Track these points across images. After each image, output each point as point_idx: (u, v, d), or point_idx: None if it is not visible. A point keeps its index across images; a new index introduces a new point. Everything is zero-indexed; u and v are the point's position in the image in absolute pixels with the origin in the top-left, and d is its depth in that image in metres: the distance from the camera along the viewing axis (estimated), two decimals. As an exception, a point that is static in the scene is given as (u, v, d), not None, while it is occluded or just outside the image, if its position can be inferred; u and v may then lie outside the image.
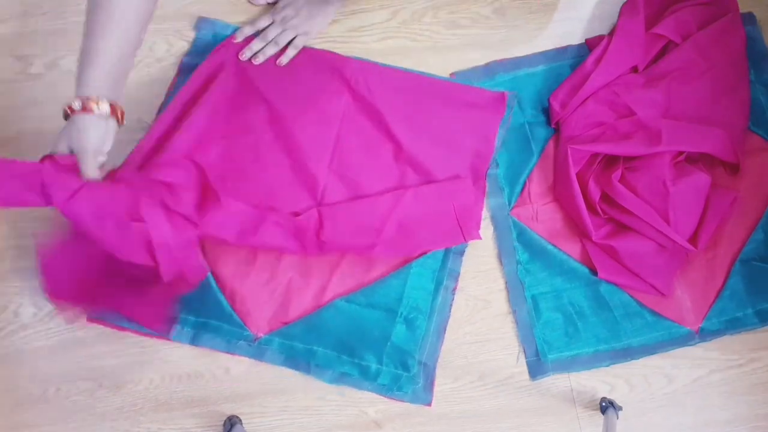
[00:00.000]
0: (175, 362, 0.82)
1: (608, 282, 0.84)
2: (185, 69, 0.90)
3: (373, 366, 0.81)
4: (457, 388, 0.82)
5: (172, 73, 0.90)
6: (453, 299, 0.83)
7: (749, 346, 0.83)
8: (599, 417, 0.80)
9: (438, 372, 0.82)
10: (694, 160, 0.87)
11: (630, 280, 0.83)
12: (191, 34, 0.92)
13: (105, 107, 0.66)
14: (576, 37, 0.93)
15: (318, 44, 0.92)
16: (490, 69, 0.92)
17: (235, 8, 0.93)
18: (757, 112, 0.90)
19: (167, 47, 0.91)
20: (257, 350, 0.81)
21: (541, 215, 0.87)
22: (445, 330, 0.83)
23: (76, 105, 0.66)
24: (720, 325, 0.83)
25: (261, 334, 0.82)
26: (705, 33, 0.89)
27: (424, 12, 0.94)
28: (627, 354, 0.82)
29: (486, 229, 0.86)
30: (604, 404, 0.79)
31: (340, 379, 0.81)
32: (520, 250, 0.85)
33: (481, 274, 0.85)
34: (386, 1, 0.94)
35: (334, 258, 0.83)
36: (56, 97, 0.88)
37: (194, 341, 0.81)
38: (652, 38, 0.90)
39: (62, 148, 0.68)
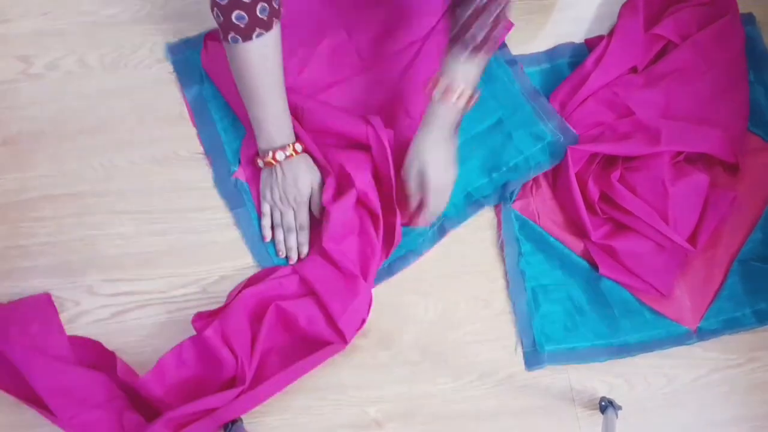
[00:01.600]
0: (175, 362, 0.82)
1: (609, 279, 0.84)
2: (181, 66, 0.89)
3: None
4: (457, 387, 0.82)
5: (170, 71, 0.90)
6: None
7: (749, 345, 0.83)
8: (598, 416, 0.81)
9: (438, 371, 0.82)
10: (693, 160, 0.87)
11: (629, 279, 0.84)
12: (191, 34, 0.91)
13: (299, 147, 0.80)
14: (575, 37, 0.94)
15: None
16: (490, 69, 0.92)
17: (235, 8, 0.93)
18: (756, 112, 0.90)
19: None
20: None
21: (542, 215, 0.87)
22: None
23: (280, 155, 0.78)
24: (718, 325, 0.83)
25: None
26: (704, 33, 0.89)
27: (424, 12, 0.94)
28: (624, 350, 0.82)
29: (487, 228, 0.86)
30: (603, 404, 0.79)
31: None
32: (523, 241, 0.85)
33: (481, 274, 0.85)
34: (386, 2, 0.94)
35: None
36: (56, 98, 0.89)
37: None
38: (651, 38, 0.90)
39: (306, 187, 0.81)
